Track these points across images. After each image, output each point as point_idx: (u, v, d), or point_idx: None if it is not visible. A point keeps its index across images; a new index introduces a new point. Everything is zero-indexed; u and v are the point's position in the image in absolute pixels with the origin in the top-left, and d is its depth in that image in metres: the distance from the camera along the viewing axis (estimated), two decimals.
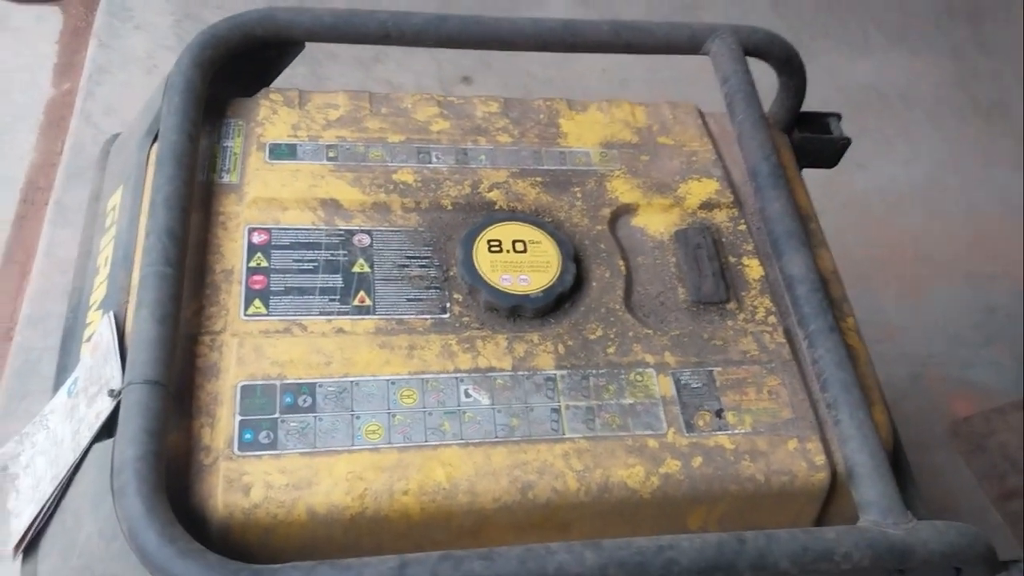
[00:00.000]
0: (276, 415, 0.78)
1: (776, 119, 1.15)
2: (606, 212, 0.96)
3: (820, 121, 1.23)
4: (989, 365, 1.96)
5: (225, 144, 0.95)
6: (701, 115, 1.08)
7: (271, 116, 0.97)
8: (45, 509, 0.78)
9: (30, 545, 0.79)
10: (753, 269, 0.95)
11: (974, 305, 2.03)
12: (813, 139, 1.20)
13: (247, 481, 0.74)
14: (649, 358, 0.87)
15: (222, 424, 0.77)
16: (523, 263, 0.89)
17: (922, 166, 2.22)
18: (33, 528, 0.79)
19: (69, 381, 0.84)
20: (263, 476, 0.75)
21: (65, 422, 0.81)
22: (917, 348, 1.93)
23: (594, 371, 0.85)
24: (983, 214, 2.20)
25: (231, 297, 0.84)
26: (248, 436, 0.77)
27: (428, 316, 0.86)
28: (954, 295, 2.04)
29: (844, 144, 1.23)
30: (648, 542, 0.72)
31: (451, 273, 0.89)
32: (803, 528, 0.77)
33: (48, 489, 0.78)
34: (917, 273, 2.04)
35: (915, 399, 1.85)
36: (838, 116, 1.24)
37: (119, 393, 0.75)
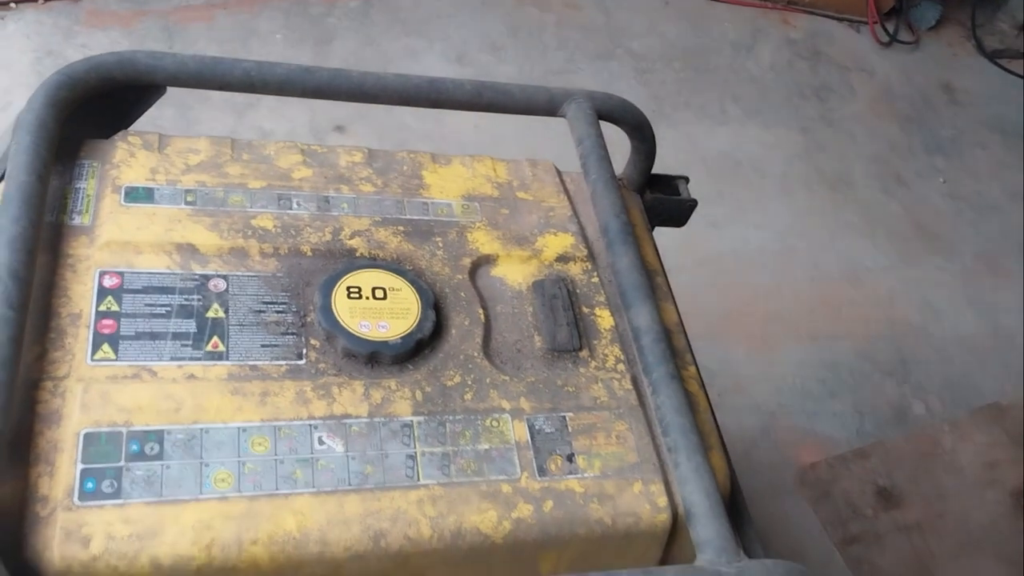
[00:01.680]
0: (121, 463, 0.76)
1: (629, 180, 1.22)
2: (466, 262, 0.99)
3: (670, 183, 1.30)
4: (833, 416, 2.09)
5: (78, 186, 0.92)
6: (558, 173, 1.13)
7: (128, 159, 0.95)
8: None
9: None
10: (604, 319, 1.00)
11: (819, 361, 2.17)
12: (663, 199, 1.28)
13: (87, 532, 0.71)
14: (505, 404, 0.89)
15: (62, 473, 0.74)
16: (383, 310, 0.90)
17: (772, 230, 2.36)
18: None
19: None
20: (105, 527, 0.72)
21: None
22: (767, 400, 2.04)
23: (451, 417, 0.87)
24: (827, 279, 2.37)
25: (77, 342, 0.81)
26: (90, 485, 0.74)
27: (283, 362, 0.86)
28: (801, 352, 2.18)
29: (691, 205, 1.31)
30: None
31: (309, 319, 0.89)
32: (643, 568, 0.80)
33: None
34: (767, 330, 2.17)
35: (765, 448, 1.95)
36: (686, 179, 1.32)
37: None
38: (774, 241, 2.33)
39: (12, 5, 2.17)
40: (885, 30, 3.15)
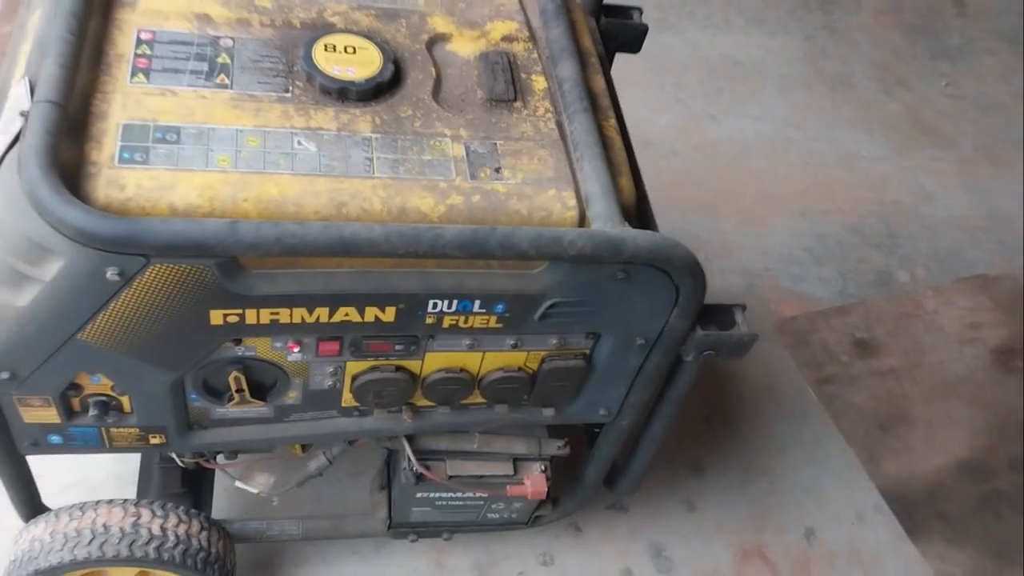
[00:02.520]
0: (148, 144, 1.02)
1: (585, 5, 1.44)
2: (424, 37, 1.23)
3: (624, 11, 1.53)
4: (817, 280, 2.25)
5: None
6: None
7: None
8: None
9: None
10: (539, 83, 1.23)
11: (808, 233, 2.34)
12: (617, 23, 1.50)
13: (123, 182, 0.98)
14: (447, 131, 1.13)
15: (106, 147, 1.00)
16: (352, 61, 1.15)
17: (770, 123, 2.53)
18: None
19: None
20: (135, 180, 0.98)
21: None
22: (754, 264, 2.22)
23: (402, 137, 1.11)
24: (822, 164, 2.53)
25: (120, 71, 1.08)
26: (126, 155, 1.00)
27: (273, 93, 1.11)
28: (790, 225, 2.35)
29: (643, 30, 1.52)
30: (425, 226, 0.98)
31: (295, 68, 1.14)
32: (541, 227, 1.03)
33: None
34: (758, 207, 2.35)
35: (748, 302, 2.13)
36: (640, 10, 1.54)
37: (27, 112, 0.98)
38: (771, 131, 2.50)
39: None
40: None
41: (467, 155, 1.12)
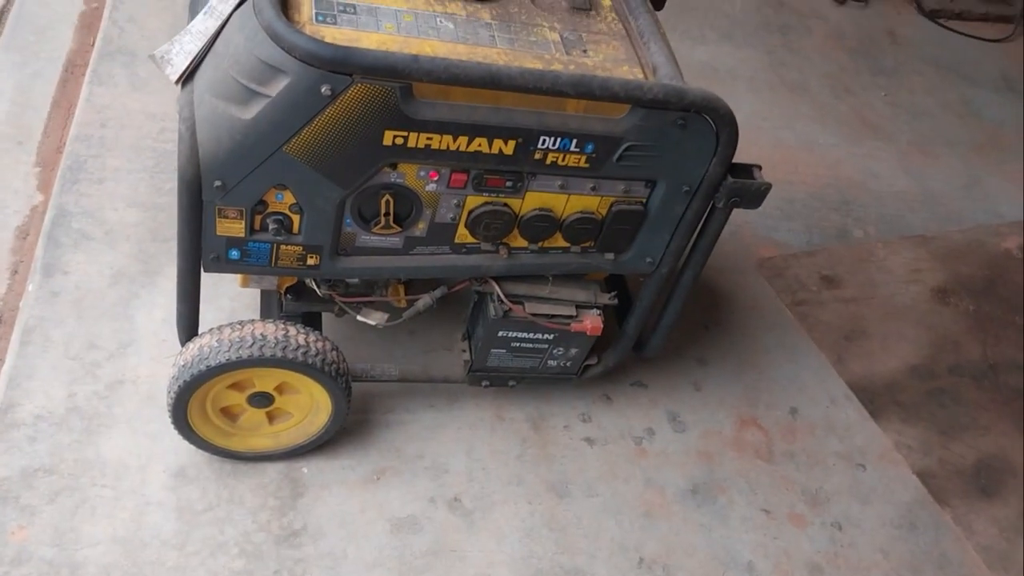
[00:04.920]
0: (335, 12, 1.38)
1: None
2: None
3: None
4: (788, 232, 2.68)
5: None
6: None
7: None
8: (199, 54, 1.35)
9: (187, 78, 1.36)
10: (607, 2, 1.63)
11: (778, 197, 2.76)
12: None
13: (321, 34, 1.34)
14: (544, 24, 1.52)
15: (304, 12, 1.36)
16: None
17: (741, 114, 2.98)
18: (190, 65, 1.35)
19: (204, 8, 1.41)
20: (330, 34, 1.34)
21: (206, 21, 1.38)
22: (733, 217, 2.63)
23: (513, 24, 1.50)
24: (786, 147, 2.99)
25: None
26: (320, 18, 1.37)
27: None
28: None
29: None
30: (548, 69, 1.36)
31: None
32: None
33: (200, 43, 1.36)
34: None
35: (732, 245, 2.54)
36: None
37: None
38: (743, 121, 2.95)
39: None
40: None
41: (562, 40, 1.51)
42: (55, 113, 2.26)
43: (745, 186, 1.58)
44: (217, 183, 1.37)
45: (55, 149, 2.18)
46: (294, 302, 1.70)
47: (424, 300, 1.71)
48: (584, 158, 1.47)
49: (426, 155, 1.41)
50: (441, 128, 1.38)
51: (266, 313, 1.82)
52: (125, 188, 2.11)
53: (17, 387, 1.73)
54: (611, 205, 1.58)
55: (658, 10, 1.99)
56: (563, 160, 1.47)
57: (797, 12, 3.65)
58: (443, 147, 1.40)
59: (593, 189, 1.55)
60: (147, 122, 2.26)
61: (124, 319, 1.88)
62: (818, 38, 3.56)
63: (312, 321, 1.79)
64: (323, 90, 1.29)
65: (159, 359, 1.84)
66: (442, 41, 1.41)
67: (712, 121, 1.48)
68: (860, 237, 2.75)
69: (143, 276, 1.97)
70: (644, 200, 1.59)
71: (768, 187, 1.59)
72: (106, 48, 2.43)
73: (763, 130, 3.00)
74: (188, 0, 1.55)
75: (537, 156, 1.45)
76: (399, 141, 1.38)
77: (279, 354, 1.54)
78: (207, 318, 1.65)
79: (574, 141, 1.45)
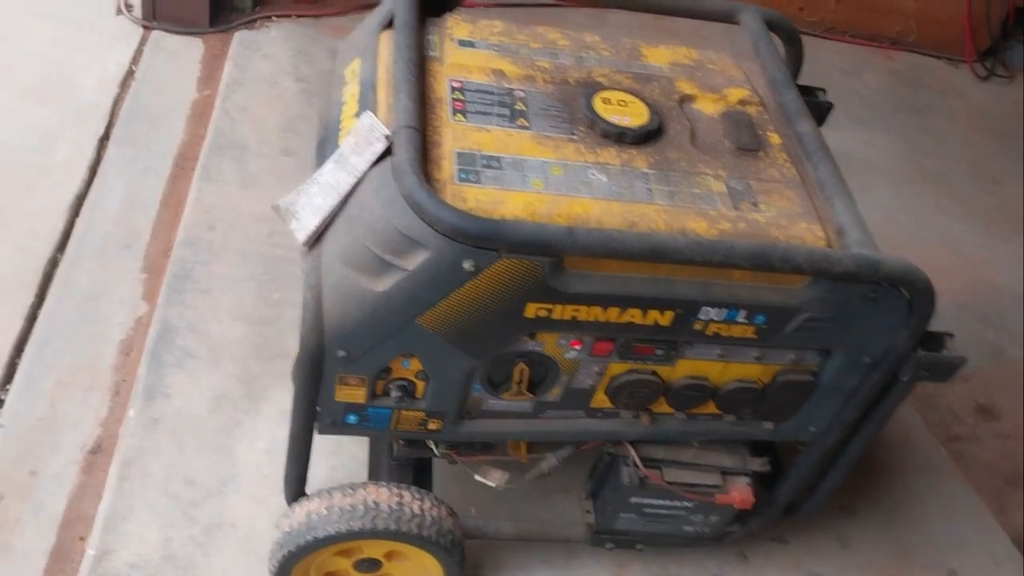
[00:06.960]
0: (478, 168, 1.23)
1: None
2: (675, 97, 1.45)
3: (811, 91, 1.75)
4: None
5: (429, 38, 1.44)
6: (732, 56, 1.59)
7: (456, 25, 1.47)
8: (328, 215, 1.22)
9: (316, 241, 1.22)
10: (774, 138, 1.44)
11: None
12: (808, 100, 1.73)
13: (464, 196, 1.19)
14: (708, 171, 1.34)
15: (445, 169, 1.21)
16: (625, 112, 1.37)
17: (880, 212, 2.75)
18: (321, 226, 1.22)
19: (334, 156, 1.28)
20: (473, 195, 1.19)
21: (337, 173, 1.25)
22: None
23: (672, 173, 1.32)
24: (928, 245, 2.73)
25: (443, 111, 1.30)
26: (462, 176, 1.21)
27: (564, 135, 1.32)
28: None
29: (828, 107, 1.74)
30: (719, 240, 1.18)
31: (576, 116, 1.36)
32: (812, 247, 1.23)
33: (329, 200, 1.22)
34: None
35: None
36: (823, 90, 1.76)
37: (391, 136, 1.20)
38: (880, 218, 2.70)
39: (273, 19, 2.82)
40: (984, 66, 3.55)
41: (728, 191, 1.32)
42: (164, 213, 2.18)
43: (936, 360, 1.37)
44: (341, 353, 1.23)
45: (162, 253, 2.09)
46: (407, 448, 1.55)
47: (549, 461, 1.53)
48: (753, 329, 1.28)
49: (571, 326, 1.24)
50: (591, 300, 1.21)
51: (374, 452, 1.68)
52: (231, 299, 2.01)
53: (113, 530, 1.62)
54: (776, 374, 1.38)
55: (820, 125, 1.80)
56: (727, 331, 1.28)
57: (936, 90, 3.39)
58: (591, 319, 1.24)
59: (757, 358, 1.36)
60: (255, 225, 2.16)
61: (224, 451, 1.76)
62: (960, 120, 3.29)
63: (423, 467, 1.63)
64: (466, 266, 1.13)
65: (260, 498, 1.71)
66: (594, 199, 1.24)
67: (908, 294, 1.27)
68: (1017, 357, 2.47)
69: (246, 400, 1.85)
70: (815, 368, 1.39)
71: (963, 361, 1.37)
72: (217, 141, 2.35)
73: (901, 227, 2.75)
74: (316, 137, 1.42)
75: (697, 327, 1.27)
76: (542, 314, 1.21)
77: (392, 526, 1.39)
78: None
79: (742, 313, 1.26)
